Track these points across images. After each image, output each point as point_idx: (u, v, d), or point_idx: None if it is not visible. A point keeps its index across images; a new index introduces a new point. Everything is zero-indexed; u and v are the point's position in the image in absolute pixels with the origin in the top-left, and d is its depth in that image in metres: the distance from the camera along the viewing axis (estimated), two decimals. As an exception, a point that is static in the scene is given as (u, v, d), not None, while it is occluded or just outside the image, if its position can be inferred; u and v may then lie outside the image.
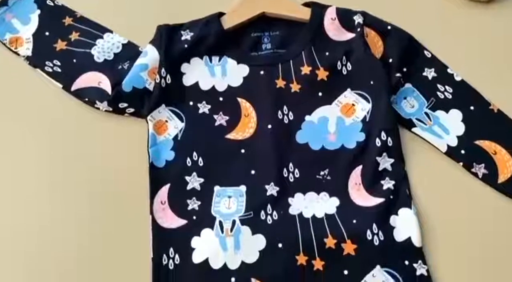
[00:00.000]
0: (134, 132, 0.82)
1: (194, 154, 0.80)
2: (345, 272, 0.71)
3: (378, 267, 0.71)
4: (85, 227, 0.77)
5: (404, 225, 0.74)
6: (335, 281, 0.70)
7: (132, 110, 0.83)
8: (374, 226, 0.73)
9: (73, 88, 0.84)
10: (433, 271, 0.72)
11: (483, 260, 0.74)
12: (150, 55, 0.83)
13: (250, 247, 0.73)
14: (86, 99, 0.84)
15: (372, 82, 0.83)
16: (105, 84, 0.84)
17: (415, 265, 0.71)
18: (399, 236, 0.73)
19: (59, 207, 0.79)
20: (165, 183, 0.78)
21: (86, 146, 0.83)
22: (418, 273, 0.71)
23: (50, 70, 0.86)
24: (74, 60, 0.87)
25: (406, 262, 0.72)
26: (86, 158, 0.82)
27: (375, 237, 0.73)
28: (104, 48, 0.88)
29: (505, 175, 0.78)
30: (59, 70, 0.86)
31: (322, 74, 0.84)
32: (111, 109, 0.83)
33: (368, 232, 0.73)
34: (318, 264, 0.71)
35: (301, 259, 0.71)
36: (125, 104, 0.82)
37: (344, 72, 0.85)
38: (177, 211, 0.76)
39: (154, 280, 0.72)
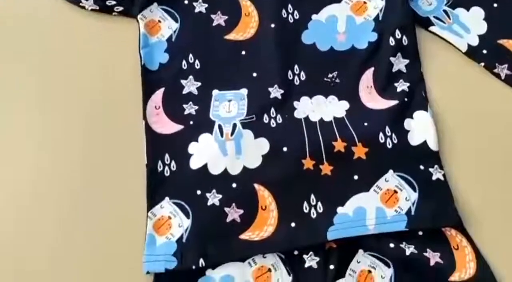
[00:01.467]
0: (124, 33, 0.75)
1: (190, 56, 0.73)
2: (355, 177, 0.66)
3: (391, 171, 0.66)
4: (76, 133, 0.71)
5: (420, 128, 0.68)
6: (345, 187, 0.65)
7: (120, 8, 0.75)
8: (387, 128, 0.67)
9: (55, -15, 0.77)
10: (449, 177, 0.66)
11: (502, 166, 0.69)
12: None
13: (252, 151, 0.67)
14: (70, -3, 0.77)
15: None
16: (91, -20, 0.77)
17: (431, 169, 0.66)
18: (414, 139, 0.68)
19: (47, 113, 0.73)
20: (159, 86, 0.72)
21: (71, 48, 0.76)
22: (434, 178, 0.66)
23: (29, -34, 0.78)
24: (55, -45, 0.79)
25: (422, 167, 0.66)
26: (72, 61, 0.75)
27: (388, 140, 0.67)
28: None
29: (530, 76, 0.72)
30: (38, -34, 0.78)
31: None
32: (97, 7, 0.76)
33: (381, 135, 0.67)
34: (326, 168, 0.66)
35: (308, 163, 0.66)
36: (113, 2, 0.75)
37: None
38: (172, 116, 0.70)
39: (149, 187, 0.67)
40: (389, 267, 0.63)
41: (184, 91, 0.71)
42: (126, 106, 0.72)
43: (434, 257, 0.62)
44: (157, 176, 0.67)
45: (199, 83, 0.72)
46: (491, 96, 0.72)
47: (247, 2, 0.76)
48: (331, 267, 0.63)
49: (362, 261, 0.64)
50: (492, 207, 0.67)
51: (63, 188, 0.69)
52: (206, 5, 0.76)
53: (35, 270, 0.65)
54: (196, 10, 0.76)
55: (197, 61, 0.73)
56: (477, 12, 0.76)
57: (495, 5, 0.76)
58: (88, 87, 0.74)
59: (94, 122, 0.72)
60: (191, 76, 0.72)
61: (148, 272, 0.63)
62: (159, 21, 0.75)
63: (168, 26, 0.75)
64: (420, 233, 0.64)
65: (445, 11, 0.76)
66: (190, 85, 0.72)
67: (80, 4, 0.76)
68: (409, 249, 0.62)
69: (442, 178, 0.66)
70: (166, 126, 0.70)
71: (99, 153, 0.70)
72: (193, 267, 0.62)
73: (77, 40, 0.77)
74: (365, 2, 0.76)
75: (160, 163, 0.68)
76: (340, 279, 0.62)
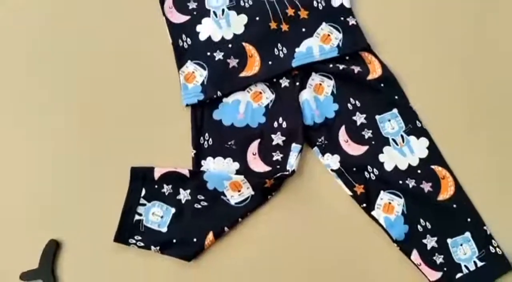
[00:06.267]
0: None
1: None
2: (303, 29, 1.05)
3: (324, 23, 1.05)
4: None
5: (338, -5, 1.09)
6: (298, 36, 1.04)
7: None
8: (318, -2, 1.08)
9: None
10: (361, 23, 1.06)
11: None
12: None
13: (237, 23, 1.05)
14: None
15: None
16: None
17: (348, 19, 1.06)
18: (335, 2, 1.07)
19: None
20: None
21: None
22: (350, 23, 1.05)
23: None
24: None
25: (342, 18, 1.06)
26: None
27: (319, 4, 1.06)
28: None
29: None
30: None
31: None
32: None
33: (314, 2, 1.06)
34: (284, 27, 1.05)
35: (273, 25, 1.05)
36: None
37: None
38: (181, 10, 1.07)
39: (176, 56, 1.04)
40: (330, 79, 1.04)
41: None
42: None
43: (356, 68, 1.03)
44: (180, 49, 1.05)
45: None
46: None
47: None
48: (297, 84, 1.03)
49: (315, 78, 1.04)
50: (390, 29, 1.08)
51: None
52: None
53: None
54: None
55: None
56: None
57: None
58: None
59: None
60: None
61: (187, 105, 1.02)
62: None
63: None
64: (347, 58, 1.05)
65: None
66: None
67: None
68: (341, 66, 1.03)
69: (355, 23, 1.06)
70: (178, 17, 1.07)
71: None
72: (214, 96, 1.02)
73: None
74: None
75: (180, 40, 1.05)
76: (303, 90, 1.03)
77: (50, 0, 1.14)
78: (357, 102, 1.03)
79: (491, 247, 0.96)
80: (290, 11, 1.06)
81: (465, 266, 0.96)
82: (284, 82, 1.04)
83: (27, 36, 1.13)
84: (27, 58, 1.11)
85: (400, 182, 0.99)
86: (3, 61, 1.11)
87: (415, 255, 0.96)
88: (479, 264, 0.96)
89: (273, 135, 1.02)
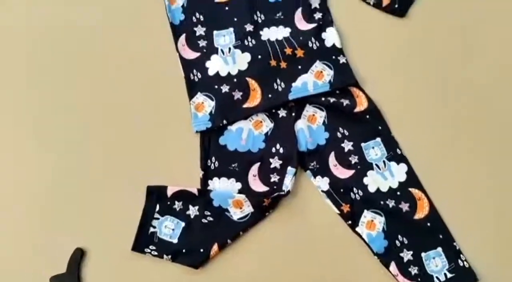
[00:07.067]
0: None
1: (197, 14, 1.24)
2: (299, 67, 1.20)
3: (318, 61, 1.19)
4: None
5: (330, 36, 1.22)
6: (294, 72, 1.19)
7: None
8: (313, 39, 1.21)
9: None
10: (350, 62, 1.21)
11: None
12: None
13: (242, 60, 1.20)
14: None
15: None
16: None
17: (339, 58, 1.20)
18: (328, 43, 1.22)
19: None
20: (181, 34, 1.23)
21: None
22: (341, 62, 1.20)
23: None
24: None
25: (334, 57, 1.20)
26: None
27: (314, 45, 1.21)
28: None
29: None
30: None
31: None
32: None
33: (309, 43, 1.21)
34: (283, 64, 1.20)
35: (273, 62, 1.19)
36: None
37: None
38: (192, 47, 1.22)
39: (187, 88, 1.19)
40: (322, 110, 1.19)
41: (197, 34, 1.23)
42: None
43: (345, 101, 1.18)
44: (191, 82, 1.20)
45: (204, 28, 1.23)
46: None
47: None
48: (293, 114, 1.18)
49: (309, 110, 1.19)
50: (376, 67, 1.22)
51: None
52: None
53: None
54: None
55: (201, 16, 1.23)
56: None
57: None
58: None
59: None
60: (199, 25, 1.23)
61: (197, 131, 1.17)
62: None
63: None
64: (337, 92, 1.19)
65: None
66: (199, 30, 1.23)
67: None
68: (332, 99, 1.18)
69: (345, 62, 1.20)
70: (190, 54, 1.21)
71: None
72: (221, 124, 1.17)
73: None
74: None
75: (191, 74, 1.20)
76: (298, 120, 1.18)
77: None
78: (345, 131, 1.17)
79: (459, 261, 1.10)
80: (288, 51, 1.20)
81: (437, 277, 1.09)
82: (282, 113, 1.18)
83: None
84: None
85: (382, 202, 1.13)
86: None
87: (393, 266, 1.10)
88: (449, 275, 1.09)
89: (271, 160, 1.16)
